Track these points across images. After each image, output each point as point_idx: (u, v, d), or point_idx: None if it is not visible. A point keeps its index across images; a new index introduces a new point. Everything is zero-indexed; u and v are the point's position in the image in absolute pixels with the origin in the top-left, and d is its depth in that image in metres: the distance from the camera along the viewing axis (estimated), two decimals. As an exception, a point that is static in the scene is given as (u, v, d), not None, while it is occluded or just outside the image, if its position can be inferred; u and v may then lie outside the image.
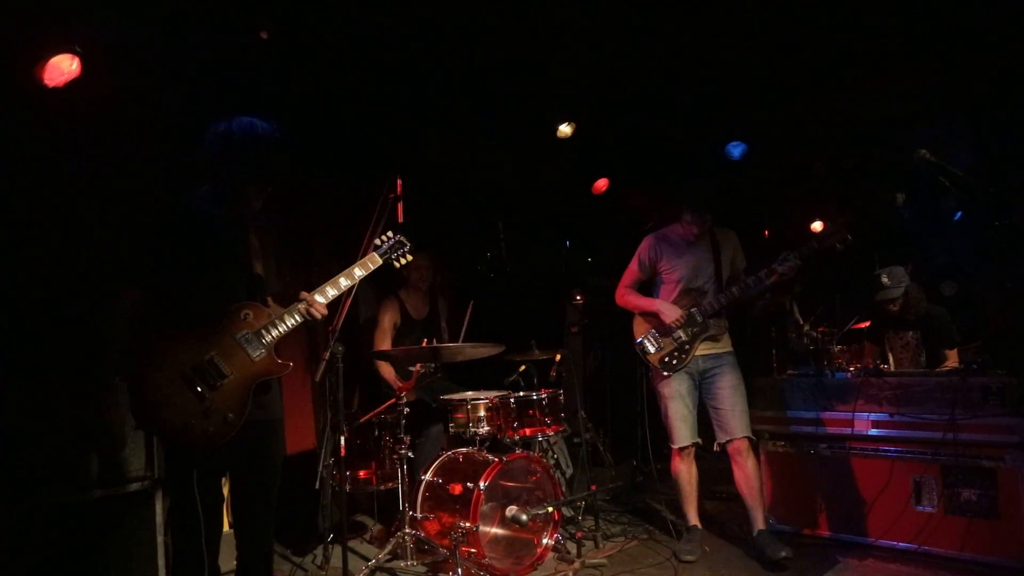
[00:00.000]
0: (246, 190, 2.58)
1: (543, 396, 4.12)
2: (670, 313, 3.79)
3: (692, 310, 3.79)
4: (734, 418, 3.72)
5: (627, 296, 4.05)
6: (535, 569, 3.64)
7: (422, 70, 4.15)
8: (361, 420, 4.00)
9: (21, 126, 3.28)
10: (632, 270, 4.06)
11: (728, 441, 3.73)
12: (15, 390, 2.91)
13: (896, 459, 3.69)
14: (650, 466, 4.68)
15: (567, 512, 4.30)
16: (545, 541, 3.71)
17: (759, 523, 3.69)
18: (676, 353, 3.80)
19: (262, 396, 2.58)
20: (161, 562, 3.14)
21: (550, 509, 3.64)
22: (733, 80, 4.60)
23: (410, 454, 3.89)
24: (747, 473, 3.71)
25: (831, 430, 3.92)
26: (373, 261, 2.87)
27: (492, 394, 4.15)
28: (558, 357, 4.88)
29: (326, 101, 4.28)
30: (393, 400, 3.94)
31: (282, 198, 4.59)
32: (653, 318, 3.89)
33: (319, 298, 2.66)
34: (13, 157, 3.25)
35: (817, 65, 4.44)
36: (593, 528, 4.11)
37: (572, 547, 3.79)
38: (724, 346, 3.85)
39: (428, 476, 3.81)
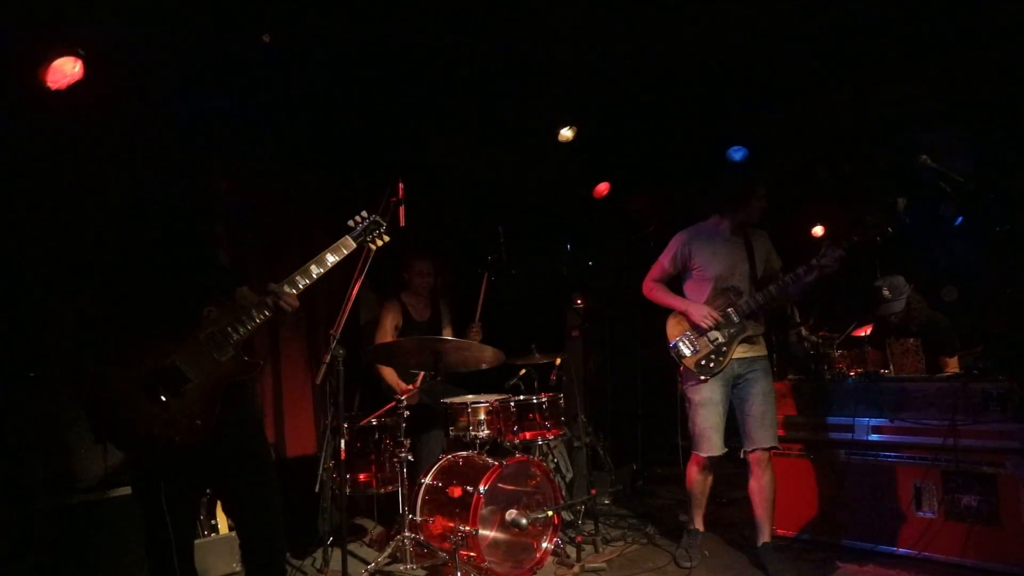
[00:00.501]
0: (206, 172, 2.42)
1: (543, 400, 4.11)
2: (698, 312, 3.60)
3: (728, 310, 3.60)
4: (763, 427, 3.57)
5: (655, 291, 3.84)
6: (534, 573, 3.64)
7: (424, 73, 4.16)
8: (361, 423, 4.00)
9: (24, 128, 3.29)
10: (662, 264, 3.84)
11: (752, 450, 3.60)
12: (15, 390, 2.92)
13: (896, 464, 3.68)
14: (650, 470, 4.67)
15: (567, 516, 4.29)
16: (545, 545, 3.70)
17: (765, 535, 3.61)
18: (713, 356, 3.59)
19: (235, 394, 2.40)
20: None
21: (550, 513, 3.63)
22: (734, 84, 4.61)
23: (410, 457, 3.88)
24: (763, 485, 3.59)
25: (831, 435, 3.91)
26: (346, 245, 2.67)
27: (492, 397, 4.15)
28: (558, 361, 4.88)
29: (327, 103, 4.29)
30: (393, 403, 3.94)
31: (282, 199, 4.67)
32: (687, 319, 3.68)
33: (289, 289, 2.47)
34: (16, 159, 3.26)
35: (818, 70, 4.45)
36: (593, 532, 4.09)
37: (572, 551, 3.79)
38: (760, 350, 3.67)
39: (428, 479, 3.81)
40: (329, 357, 3.27)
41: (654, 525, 4.40)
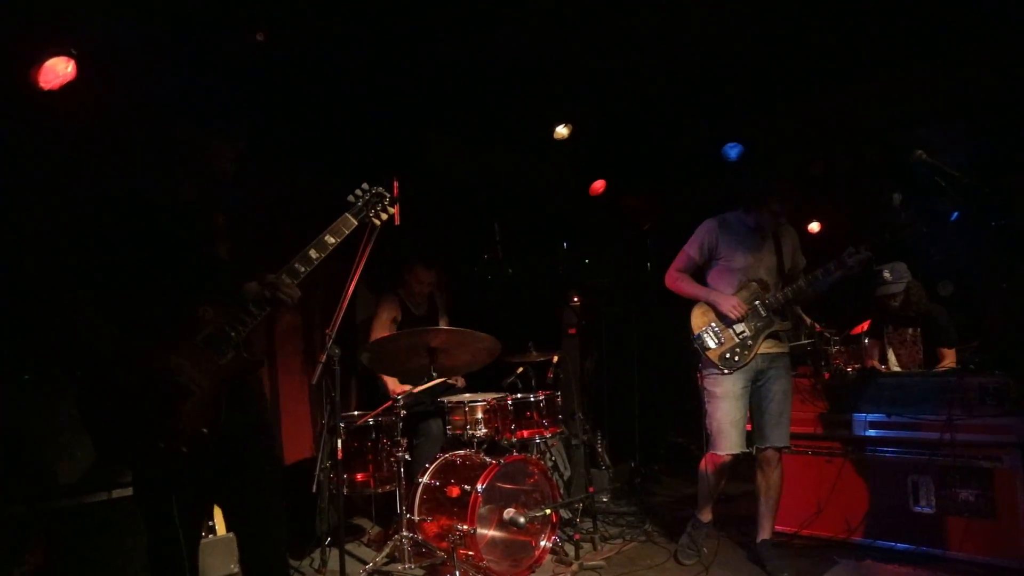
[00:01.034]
0: (214, 147, 2.29)
1: (541, 398, 4.11)
2: (727, 303, 3.47)
3: (756, 303, 3.51)
4: (779, 426, 3.51)
5: (680, 282, 3.70)
6: (533, 572, 3.63)
7: (419, 71, 4.15)
8: (358, 422, 3.99)
9: (16, 129, 3.27)
10: (688, 254, 3.70)
11: (764, 448, 3.54)
12: (14, 391, 2.90)
13: (893, 460, 3.69)
14: (648, 467, 4.66)
15: (565, 514, 4.29)
16: (543, 543, 3.70)
17: (766, 532, 3.59)
18: (738, 350, 3.48)
19: (240, 394, 2.28)
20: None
21: (548, 511, 3.63)
22: (730, 82, 4.60)
23: (407, 457, 3.87)
24: (771, 483, 3.55)
25: (828, 431, 3.92)
26: (347, 224, 2.47)
27: (490, 396, 4.14)
28: (555, 359, 4.88)
29: (323, 102, 4.28)
30: (390, 403, 3.93)
31: (276, 197, 4.65)
32: (714, 310, 3.56)
33: (287, 278, 2.32)
34: (8, 159, 3.24)
35: (814, 67, 4.44)
36: (591, 530, 4.09)
37: (570, 549, 3.78)
38: (783, 347, 3.60)
39: (426, 479, 3.80)
40: (325, 357, 3.25)
41: (652, 522, 4.40)
